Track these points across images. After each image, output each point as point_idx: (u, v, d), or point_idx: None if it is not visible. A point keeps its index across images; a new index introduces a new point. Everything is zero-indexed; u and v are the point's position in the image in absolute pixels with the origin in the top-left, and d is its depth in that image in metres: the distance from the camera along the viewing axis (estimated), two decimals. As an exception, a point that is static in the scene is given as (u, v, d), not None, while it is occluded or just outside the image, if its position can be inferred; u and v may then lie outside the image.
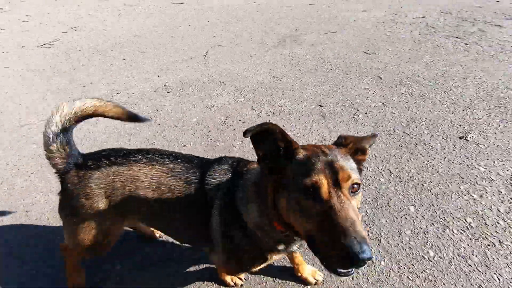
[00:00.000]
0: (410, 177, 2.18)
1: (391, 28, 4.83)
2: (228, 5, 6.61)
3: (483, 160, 2.27)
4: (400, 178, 2.18)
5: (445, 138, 2.52)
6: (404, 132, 2.63)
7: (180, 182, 1.22)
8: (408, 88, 3.25)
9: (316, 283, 1.56)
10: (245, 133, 0.92)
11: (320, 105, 3.07)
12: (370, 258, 0.78)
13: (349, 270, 0.85)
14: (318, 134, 2.67)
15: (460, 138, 2.51)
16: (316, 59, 4.01)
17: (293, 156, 0.97)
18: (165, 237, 1.82)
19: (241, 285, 1.57)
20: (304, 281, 1.57)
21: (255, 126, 0.93)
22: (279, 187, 0.98)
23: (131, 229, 1.84)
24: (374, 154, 2.41)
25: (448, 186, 2.09)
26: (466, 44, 4.12)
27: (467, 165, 2.24)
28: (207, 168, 1.26)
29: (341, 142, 1.03)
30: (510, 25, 4.56)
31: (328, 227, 0.83)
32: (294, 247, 1.20)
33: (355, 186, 0.92)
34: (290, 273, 1.62)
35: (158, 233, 1.82)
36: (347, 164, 0.94)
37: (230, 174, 1.23)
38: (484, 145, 2.41)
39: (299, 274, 1.57)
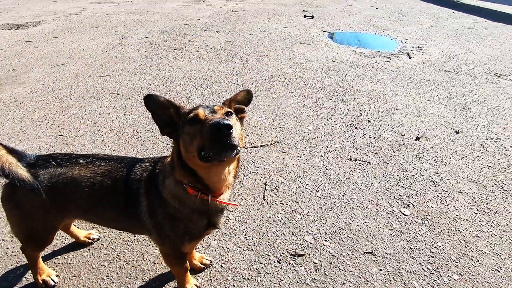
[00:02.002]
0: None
1: (120, 50, 5.24)
2: None
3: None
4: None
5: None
6: (145, 130, 3.02)
7: (109, 181, 1.36)
8: (143, 96, 3.70)
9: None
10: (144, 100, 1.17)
11: (61, 135, 2.95)
12: (226, 124, 0.96)
13: (226, 148, 1.01)
14: (63, 162, 2.58)
15: (186, 120, 3.20)
16: (46, 93, 3.74)
17: (183, 115, 1.16)
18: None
19: None
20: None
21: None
22: (178, 144, 1.15)
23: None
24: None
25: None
26: (182, 52, 5.16)
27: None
28: (132, 165, 1.39)
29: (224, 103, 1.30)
30: (207, 34, 6.12)
31: (207, 133, 1.01)
32: (222, 220, 1.35)
33: (228, 113, 1.15)
34: None
35: (93, 236, 1.90)
36: (223, 106, 1.19)
37: (151, 167, 1.37)
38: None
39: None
